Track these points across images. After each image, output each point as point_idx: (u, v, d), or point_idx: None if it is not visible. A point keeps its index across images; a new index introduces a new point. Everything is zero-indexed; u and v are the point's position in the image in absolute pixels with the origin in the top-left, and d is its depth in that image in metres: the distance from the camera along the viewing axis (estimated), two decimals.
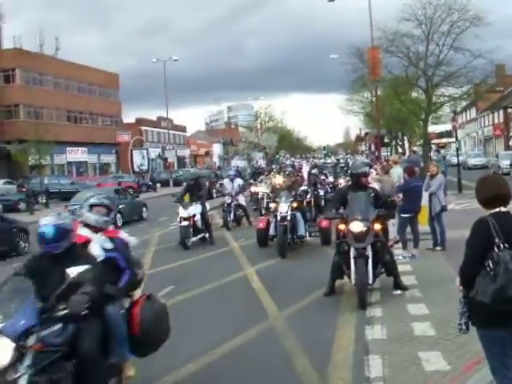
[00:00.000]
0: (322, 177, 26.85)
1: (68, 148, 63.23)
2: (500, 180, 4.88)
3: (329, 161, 51.12)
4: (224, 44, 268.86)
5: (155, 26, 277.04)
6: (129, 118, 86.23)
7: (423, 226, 14.31)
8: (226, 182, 22.95)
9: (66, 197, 45.23)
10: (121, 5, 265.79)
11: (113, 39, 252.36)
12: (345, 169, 35.34)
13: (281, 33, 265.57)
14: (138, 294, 6.45)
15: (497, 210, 4.68)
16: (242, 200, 22.09)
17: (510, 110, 66.59)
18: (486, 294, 4.45)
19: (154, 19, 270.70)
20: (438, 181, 14.34)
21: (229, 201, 21.31)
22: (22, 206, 36.79)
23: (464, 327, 4.78)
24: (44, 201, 40.51)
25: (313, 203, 18.83)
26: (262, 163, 54.33)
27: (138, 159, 74.62)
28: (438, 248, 13.98)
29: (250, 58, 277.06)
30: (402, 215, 13.53)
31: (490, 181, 4.85)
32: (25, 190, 38.62)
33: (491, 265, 4.48)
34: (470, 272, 4.58)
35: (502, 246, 4.49)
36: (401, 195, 13.19)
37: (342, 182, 24.94)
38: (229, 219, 21.00)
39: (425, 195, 14.02)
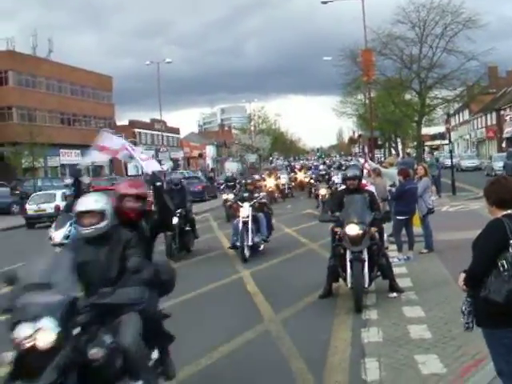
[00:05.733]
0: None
1: (61, 150, 63.04)
2: None
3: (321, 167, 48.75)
4: (221, 46, 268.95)
5: (153, 27, 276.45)
6: (122, 120, 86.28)
7: (417, 228, 14.33)
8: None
9: None
10: (119, 6, 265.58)
11: (109, 40, 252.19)
12: (326, 177, 32.31)
13: (279, 34, 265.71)
14: None
15: (509, 211, 4.70)
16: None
17: (502, 112, 66.80)
18: (499, 294, 4.48)
19: (152, 21, 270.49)
20: (423, 184, 14.39)
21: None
22: (16, 208, 36.59)
23: (471, 325, 4.79)
24: None
25: None
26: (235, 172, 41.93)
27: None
28: (425, 250, 13.97)
29: (247, 59, 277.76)
30: (398, 217, 13.54)
31: (508, 182, 4.85)
32: (18, 192, 38.48)
33: (506, 265, 4.51)
34: (482, 272, 4.60)
35: None
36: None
37: (323, 191, 25.55)
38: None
39: None
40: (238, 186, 27.14)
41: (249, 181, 18.11)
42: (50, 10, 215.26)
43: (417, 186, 14.06)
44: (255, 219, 15.37)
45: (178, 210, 15.68)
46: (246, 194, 16.23)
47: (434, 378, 6.33)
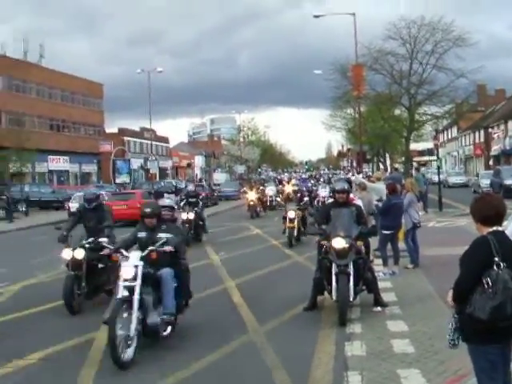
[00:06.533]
0: None
1: (50, 156, 62.85)
2: (501, 199, 4.96)
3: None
4: (214, 56, 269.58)
5: (146, 36, 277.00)
6: (112, 127, 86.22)
7: (402, 243, 14.40)
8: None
9: (46, 205, 45.08)
10: (113, 13, 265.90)
11: (101, 47, 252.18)
12: (298, 195, 23.79)
13: (271, 46, 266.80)
14: None
15: (494, 228, 4.73)
16: None
17: (490, 130, 67.29)
18: (483, 311, 4.50)
19: (145, 29, 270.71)
20: (407, 198, 14.47)
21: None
22: (1, 213, 36.41)
23: (456, 342, 4.81)
24: (24, 209, 40.17)
25: None
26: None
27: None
28: (410, 266, 14.02)
29: (238, 70, 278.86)
30: (383, 232, 13.60)
31: (493, 199, 4.90)
32: (4, 197, 38.22)
33: (490, 282, 4.52)
34: (467, 288, 4.62)
35: (501, 264, 4.55)
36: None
37: (292, 214, 19.90)
38: None
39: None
40: (200, 202, 22.62)
41: (146, 210, 8.98)
42: (42, 16, 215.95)
43: (402, 201, 14.15)
44: (155, 281, 8.39)
45: (89, 240, 11.28)
46: (141, 235, 8.98)
47: None
